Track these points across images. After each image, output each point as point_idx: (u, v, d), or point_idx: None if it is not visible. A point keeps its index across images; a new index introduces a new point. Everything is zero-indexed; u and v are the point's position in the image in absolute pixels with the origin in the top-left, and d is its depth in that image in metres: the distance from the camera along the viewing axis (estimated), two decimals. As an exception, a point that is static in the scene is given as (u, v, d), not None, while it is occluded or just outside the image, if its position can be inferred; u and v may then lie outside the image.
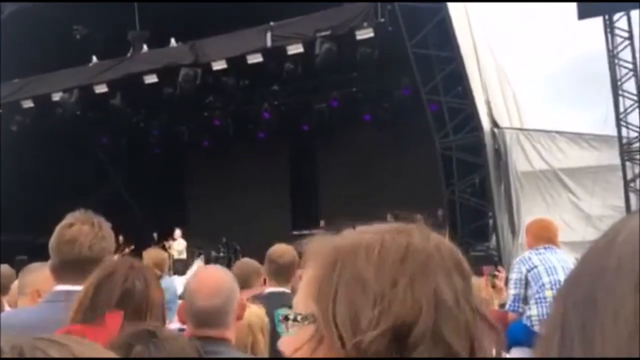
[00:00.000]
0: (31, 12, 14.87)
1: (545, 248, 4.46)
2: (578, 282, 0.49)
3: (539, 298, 4.31)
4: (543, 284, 4.30)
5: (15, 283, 2.99)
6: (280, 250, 3.37)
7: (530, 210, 11.91)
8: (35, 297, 2.42)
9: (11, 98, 15.58)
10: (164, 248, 15.20)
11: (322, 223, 15.70)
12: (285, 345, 0.84)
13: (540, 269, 4.34)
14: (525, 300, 4.40)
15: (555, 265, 4.33)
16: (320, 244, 0.87)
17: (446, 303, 0.77)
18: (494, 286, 6.10)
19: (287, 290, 3.45)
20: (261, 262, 3.64)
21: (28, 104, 15.49)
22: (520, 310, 4.43)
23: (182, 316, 2.05)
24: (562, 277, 4.27)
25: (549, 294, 4.27)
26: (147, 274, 1.77)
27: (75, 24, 15.15)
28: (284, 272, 3.34)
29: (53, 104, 15.34)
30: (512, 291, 4.53)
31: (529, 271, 4.40)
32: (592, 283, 0.47)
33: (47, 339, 0.52)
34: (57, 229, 2.04)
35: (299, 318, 0.82)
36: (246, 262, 3.90)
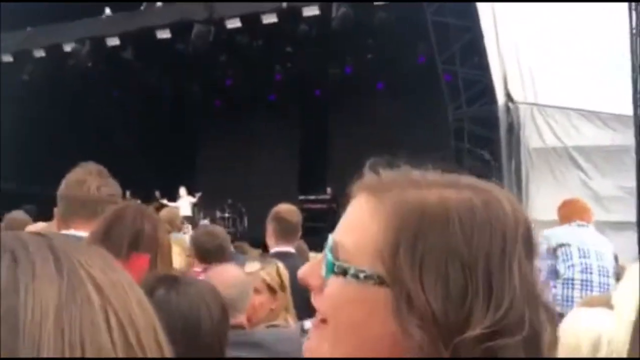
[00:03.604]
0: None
1: (578, 225, 4.38)
2: None
3: (567, 279, 4.22)
4: (573, 265, 4.21)
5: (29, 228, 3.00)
6: (289, 209, 3.34)
7: (539, 187, 11.81)
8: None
9: (23, 47, 15.46)
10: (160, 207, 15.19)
11: (329, 190, 15.69)
12: (344, 302, 0.73)
13: (573, 249, 4.25)
14: (557, 274, 4.30)
15: (589, 248, 4.24)
16: (396, 194, 0.74)
17: (533, 291, 0.69)
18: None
19: (292, 250, 3.43)
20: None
21: (40, 53, 15.38)
22: (552, 284, 4.31)
23: None
24: (594, 261, 4.19)
25: (578, 276, 4.18)
26: (154, 216, 1.77)
27: (90, -26, 14.93)
28: (292, 232, 3.31)
29: (65, 54, 15.21)
30: (542, 262, 4.44)
31: (559, 246, 4.31)
32: None
33: (34, 232, 0.48)
34: (67, 175, 2.05)
35: (361, 276, 0.71)
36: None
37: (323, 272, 0.75)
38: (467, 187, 0.75)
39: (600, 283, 4.07)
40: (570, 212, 4.49)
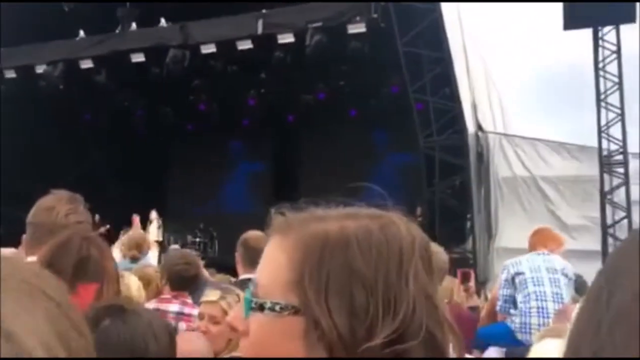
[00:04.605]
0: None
1: (538, 254, 4.46)
2: None
3: (525, 309, 4.29)
4: (529, 294, 4.28)
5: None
6: (257, 236, 3.34)
7: (508, 215, 11.99)
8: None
9: (-7, 67, 15.25)
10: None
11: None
12: (265, 337, 0.75)
13: (527, 277, 4.33)
14: (515, 303, 4.37)
15: (543, 275, 4.31)
16: (300, 229, 0.80)
17: (431, 301, 0.74)
18: (466, 290, 6.13)
19: (261, 277, 3.41)
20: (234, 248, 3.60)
21: (10, 74, 15.18)
22: (511, 312, 4.39)
23: None
24: (548, 288, 4.27)
25: (534, 304, 4.25)
26: (101, 243, 1.74)
27: (64, -4, 14.90)
28: (259, 259, 3.30)
29: (36, 76, 15.04)
30: (501, 291, 4.52)
31: (516, 274, 4.39)
32: None
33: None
34: (37, 202, 2.05)
35: (277, 308, 0.74)
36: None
37: (244, 313, 0.78)
38: (366, 217, 0.80)
39: (555, 310, 4.14)
40: (536, 241, 4.60)
